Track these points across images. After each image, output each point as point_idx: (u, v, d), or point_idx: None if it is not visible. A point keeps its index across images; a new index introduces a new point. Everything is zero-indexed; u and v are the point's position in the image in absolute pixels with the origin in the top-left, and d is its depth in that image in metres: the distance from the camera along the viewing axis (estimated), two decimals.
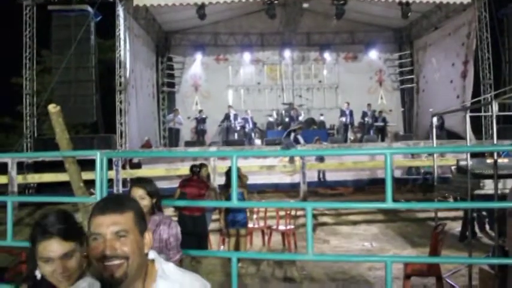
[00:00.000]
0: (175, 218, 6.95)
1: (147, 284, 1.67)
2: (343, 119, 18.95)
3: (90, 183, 4.78)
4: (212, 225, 9.34)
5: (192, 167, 8.25)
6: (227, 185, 7.50)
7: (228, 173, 7.59)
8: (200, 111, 19.48)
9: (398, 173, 14.74)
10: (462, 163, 6.04)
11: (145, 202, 3.26)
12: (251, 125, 19.01)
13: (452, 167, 11.40)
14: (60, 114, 4.13)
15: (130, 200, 1.76)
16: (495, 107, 4.85)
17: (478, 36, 15.71)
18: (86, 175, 5.03)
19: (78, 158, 4.46)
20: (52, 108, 4.07)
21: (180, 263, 3.47)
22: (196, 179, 8.11)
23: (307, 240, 3.59)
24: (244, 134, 18.79)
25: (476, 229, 9.19)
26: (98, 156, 3.91)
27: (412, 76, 21.45)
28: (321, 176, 15.25)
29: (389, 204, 3.43)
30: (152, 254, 1.74)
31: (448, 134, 15.96)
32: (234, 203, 3.77)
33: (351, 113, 19.08)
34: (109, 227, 1.59)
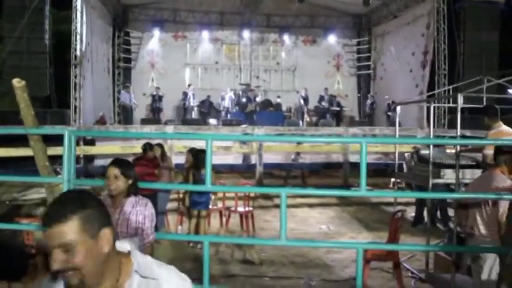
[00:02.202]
0: None
1: (122, 279, 1.58)
2: (302, 101, 19.12)
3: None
4: (170, 205, 9.26)
5: (143, 146, 8.27)
6: (196, 166, 7.43)
7: (196, 154, 7.54)
8: (157, 88, 19.20)
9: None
10: (423, 152, 6.19)
11: (119, 182, 3.30)
12: (229, 104, 18.99)
13: (406, 154, 11.72)
14: (25, 89, 3.96)
15: (78, 198, 1.55)
16: (460, 99, 4.98)
17: (435, 27, 16.12)
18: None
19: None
20: (17, 82, 3.90)
21: (151, 246, 3.44)
22: (147, 158, 8.09)
23: (281, 225, 3.61)
24: (218, 112, 19.12)
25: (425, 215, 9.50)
26: (66, 134, 3.78)
27: (369, 63, 21.80)
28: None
29: (362, 192, 3.49)
30: (128, 246, 1.65)
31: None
32: (208, 186, 3.74)
33: (307, 96, 19.26)
34: (54, 240, 1.47)
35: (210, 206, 8.57)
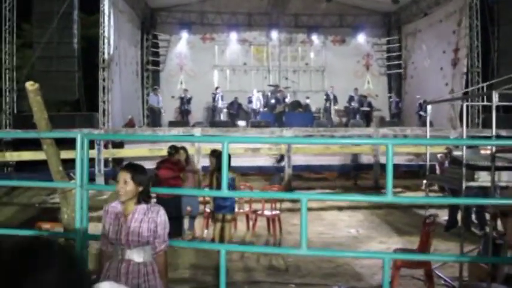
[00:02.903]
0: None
1: None
2: (330, 97, 18.82)
3: (70, 162, 4.54)
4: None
5: (168, 148, 8.23)
6: (220, 169, 7.24)
7: (219, 156, 7.37)
8: (185, 90, 19.18)
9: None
10: (456, 153, 5.89)
11: (128, 187, 3.12)
12: (257, 105, 18.83)
13: (439, 155, 11.30)
14: (38, 92, 3.85)
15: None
16: (495, 97, 4.67)
17: (468, 23, 15.63)
18: (68, 154, 4.77)
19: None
20: (29, 85, 3.79)
21: (164, 254, 3.28)
22: (171, 161, 8.03)
23: (301, 233, 3.41)
24: (247, 113, 18.96)
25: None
26: (79, 138, 3.66)
27: (399, 62, 21.36)
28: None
29: (389, 197, 3.25)
30: None
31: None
32: (224, 192, 3.57)
33: (335, 96, 18.93)
34: None
35: (237, 209, 8.39)
